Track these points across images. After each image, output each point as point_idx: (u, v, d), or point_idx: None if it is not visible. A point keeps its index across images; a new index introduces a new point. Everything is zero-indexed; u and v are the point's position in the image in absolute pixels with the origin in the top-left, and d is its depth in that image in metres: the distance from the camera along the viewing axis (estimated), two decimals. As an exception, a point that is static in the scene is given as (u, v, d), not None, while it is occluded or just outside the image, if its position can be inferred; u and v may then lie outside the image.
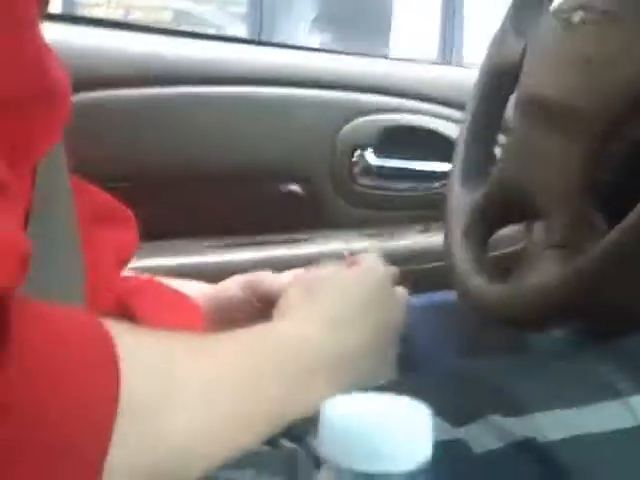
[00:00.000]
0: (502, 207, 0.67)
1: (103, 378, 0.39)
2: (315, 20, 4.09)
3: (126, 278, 0.71)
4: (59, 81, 0.57)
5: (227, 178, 1.13)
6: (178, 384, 0.44)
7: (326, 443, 0.29)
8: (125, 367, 0.39)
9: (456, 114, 1.10)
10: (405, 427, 0.29)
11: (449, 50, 4.07)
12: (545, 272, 0.54)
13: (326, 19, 4.07)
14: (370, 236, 1.15)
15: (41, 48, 0.54)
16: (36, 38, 0.53)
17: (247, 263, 1.08)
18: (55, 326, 0.39)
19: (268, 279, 0.71)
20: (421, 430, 0.29)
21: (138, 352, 0.42)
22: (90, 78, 1.05)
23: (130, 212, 0.70)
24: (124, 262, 0.70)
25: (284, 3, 4.07)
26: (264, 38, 3.78)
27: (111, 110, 1.08)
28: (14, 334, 0.36)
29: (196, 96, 1.11)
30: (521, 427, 0.48)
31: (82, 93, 1.02)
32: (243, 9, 4.04)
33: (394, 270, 0.64)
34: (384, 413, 0.30)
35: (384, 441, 0.28)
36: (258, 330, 0.53)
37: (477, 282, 0.63)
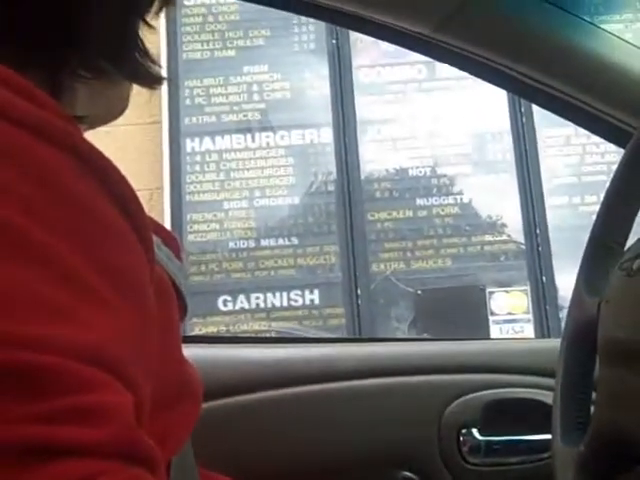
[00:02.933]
0: (607, 455, 0.68)
1: None
2: (413, 321, 4.22)
3: None
4: (195, 382, 0.65)
5: (339, 471, 1.17)
6: None
7: None
8: None
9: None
10: None
11: (546, 328, 4.11)
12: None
13: (424, 319, 4.21)
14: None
15: (181, 351, 0.62)
16: (179, 342, 0.62)
17: None
18: None
19: None
20: None
21: None
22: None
23: None
24: None
25: (381, 309, 4.24)
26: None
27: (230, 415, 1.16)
28: None
29: (306, 394, 1.18)
30: None
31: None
32: (342, 321, 4.22)
33: None
34: None
35: None
36: None
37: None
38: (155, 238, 0.57)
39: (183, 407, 0.60)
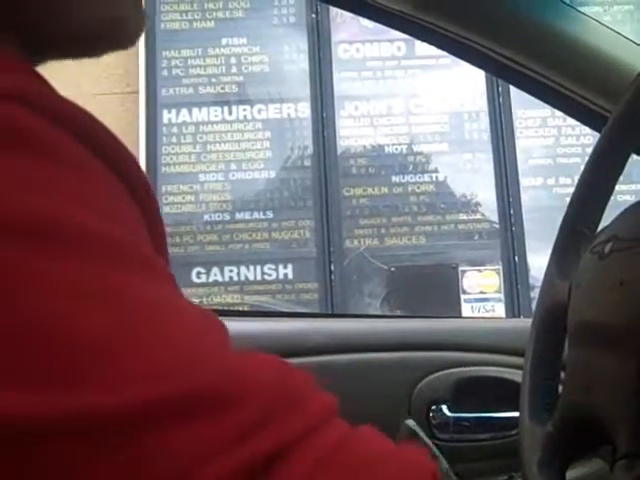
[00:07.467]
0: (573, 435, 0.70)
1: None
2: (385, 298, 4.24)
3: None
4: None
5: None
6: None
7: None
8: None
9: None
10: None
11: (517, 308, 4.16)
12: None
13: (396, 296, 4.23)
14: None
15: None
16: None
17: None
18: None
19: None
20: None
21: None
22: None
23: None
24: None
25: (354, 285, 4.25)
26: (338, 320, 3.91)
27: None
28: None
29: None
30: None
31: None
32: (314, 296, 4.23)
33: None
34: None
35: None
36: None
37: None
38: None
39: None
